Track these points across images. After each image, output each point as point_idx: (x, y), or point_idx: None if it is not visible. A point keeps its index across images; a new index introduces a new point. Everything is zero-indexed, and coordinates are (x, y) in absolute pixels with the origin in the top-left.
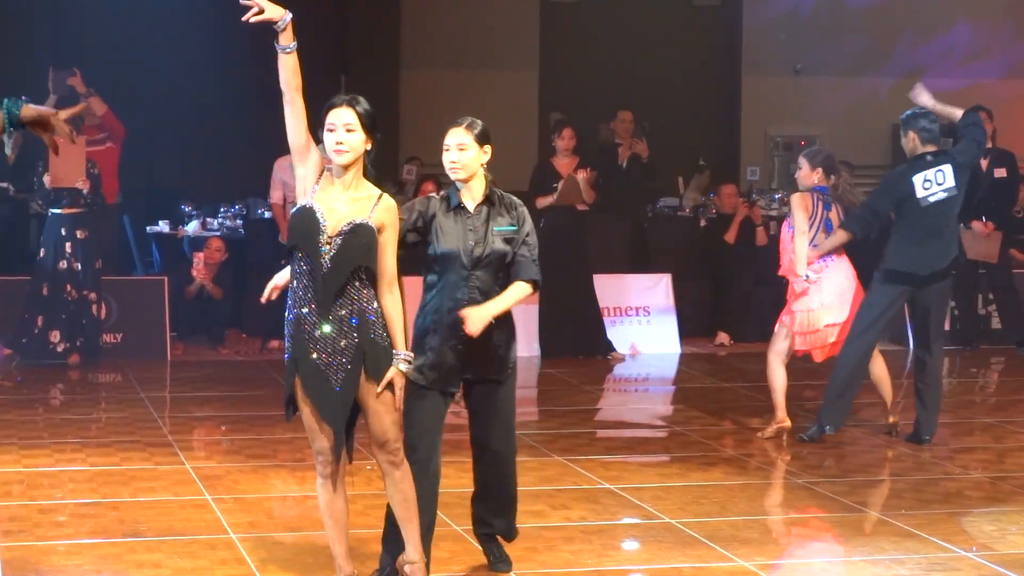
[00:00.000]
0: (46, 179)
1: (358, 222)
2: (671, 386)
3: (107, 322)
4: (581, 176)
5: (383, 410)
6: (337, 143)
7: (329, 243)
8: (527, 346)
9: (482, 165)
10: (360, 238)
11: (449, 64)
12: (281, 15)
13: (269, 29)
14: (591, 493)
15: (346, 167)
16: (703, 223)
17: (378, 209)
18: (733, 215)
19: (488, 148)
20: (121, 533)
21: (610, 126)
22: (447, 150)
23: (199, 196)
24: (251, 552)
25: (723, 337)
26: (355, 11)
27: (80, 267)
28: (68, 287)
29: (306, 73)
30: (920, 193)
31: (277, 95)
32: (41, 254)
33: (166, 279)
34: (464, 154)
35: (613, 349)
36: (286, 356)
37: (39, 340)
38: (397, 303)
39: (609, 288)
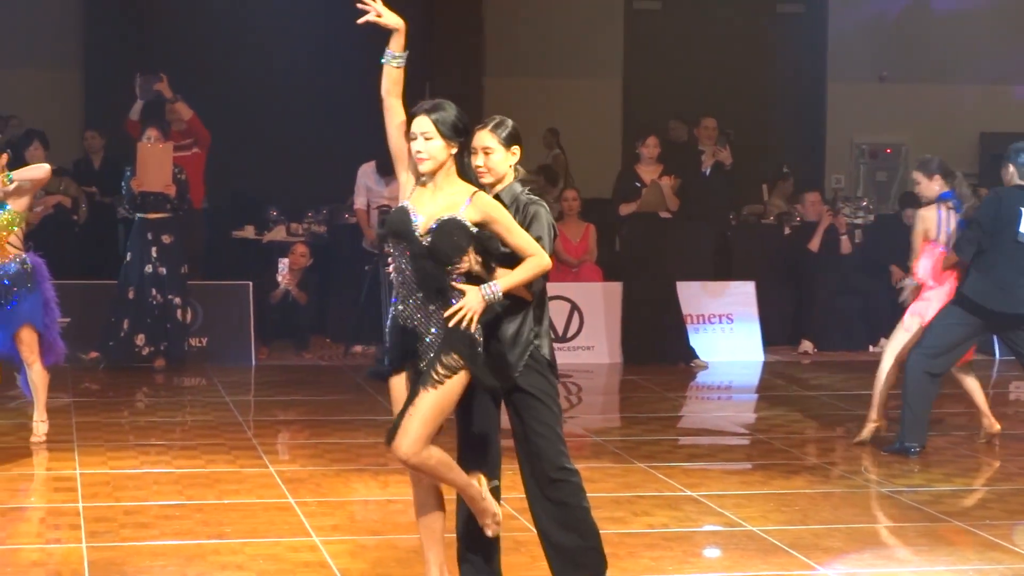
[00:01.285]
0: (133, 184)
1: (446, 217)
2: (754, 394)
3: (192, 326)
4: (665, 183)
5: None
6: (416, 152)
7: (422, 239)
8: (610, 352)
9: (511, 167)
10: (448, 234)
11: (532, 72)
12: (397, 23)
13: (353, 38)
14: (673, 500)
15: (431, 173)
16: (787, 231)
17: (470, 207)
18: (817, 223)
19: (517, 149)
20: (205, 535)
21: (693, 132)
22: (474, 154)
23: (284, 201)
24: (334, 555)
25: (807, 345)
26: (439, 20)
27: (165, 272)
28: (154, 291)
29: None
30: (1022, 228)
31: (362, 102)
32: (127, 258)
33: (251, 284)
34: (490, 158)
35: (696, 356)
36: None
37: (125, 344)
38: (529, 264)
39: (692, 295)
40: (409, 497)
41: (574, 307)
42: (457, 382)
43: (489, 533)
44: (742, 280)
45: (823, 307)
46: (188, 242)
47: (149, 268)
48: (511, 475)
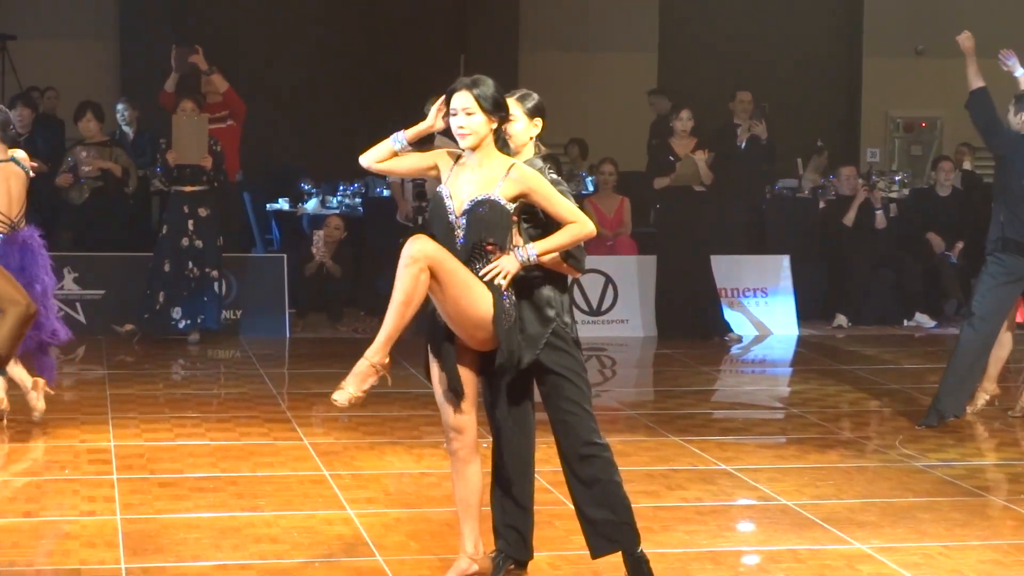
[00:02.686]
0: (169, 156)
1: (480, 198)
2: (788, 368)
3: (227, 299)
4: (699, 156)
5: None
6: (459, 127)
7: (458, 223)
8: (644, 326)
9: (531, 139)
10: (483, 213)
11: (568, 46)
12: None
13: (390, 10)
14: (707, 474)
15: (473, 148)
16: (822, 205)
17: (507, 181)
18: (852, 197)
19: (539, 121)
20: (239, 507)
21: (728, 107)
22: None
23: (319, 174)
24: (368, 528)
25: (841, 319)
26: None
27: (202, 244)
28: (190, 264)
29: (426, 54)
30: None
31: (396, 74)
32: (164, 231)
33: (286, 257)
34: (511, 125)
35: (730, 330)
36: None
37: (161, 316)
38: (569, 229)
39: (726, 269)
40: (443, 470)
41: (608, 280)
42: (482, 289)
43: None
44: (777, 254)
45: (857, 281)
46: (223, 215)
47: (185, 241)
48: (545, 448)
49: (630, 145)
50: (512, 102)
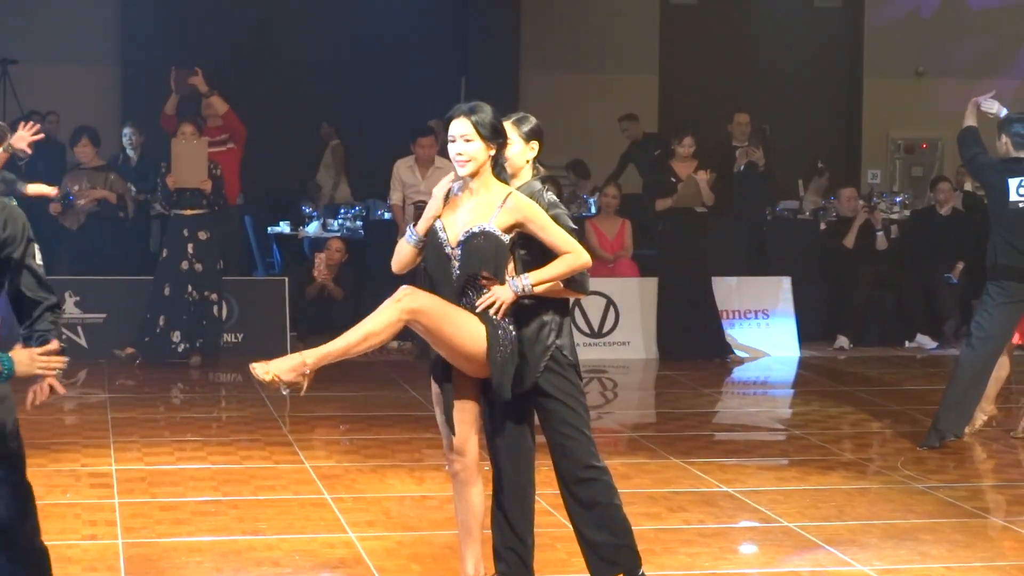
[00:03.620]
0: (169, 180)
1: (475, 230)
2: (790, 389)
3: (228, 322)
4: (701, 177)
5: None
6: (457, 155)
7: (453, 254)
8: (645, 348)
9: (528, 162)
10: (478, 245)
11: (569, 67)
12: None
13: (390, 34)
14: (709, 496)
15: (471, 175)
16: (823, 226)
17: (504, 210)
18: (853, 219)
19: (536, 144)
20: (241, 531)
21: (727, 128)
22: None
23: (320, 197)
24: (369, 552)
25: (842, 340)
26: (476, 14)
27: (201, 268)
28: (190, 288)
29: (428, 76)
30: (1013, 197)
31: (398, 96)
32: (163, 255)
33: (287, 279)
34: (509, 149)
35: (731, 351)
36: None
37: (161, 340)
38: (564, 260)
39: (727, 290)
40: (445, 493)
41: (610, 302)
42: (475, 326)
43: None
44: (778, 275)
45: (859, 302)
46: (223, 238)
47: (185, 265)
48: (545, 471)
49: (631, 167)
50: (508, 125)
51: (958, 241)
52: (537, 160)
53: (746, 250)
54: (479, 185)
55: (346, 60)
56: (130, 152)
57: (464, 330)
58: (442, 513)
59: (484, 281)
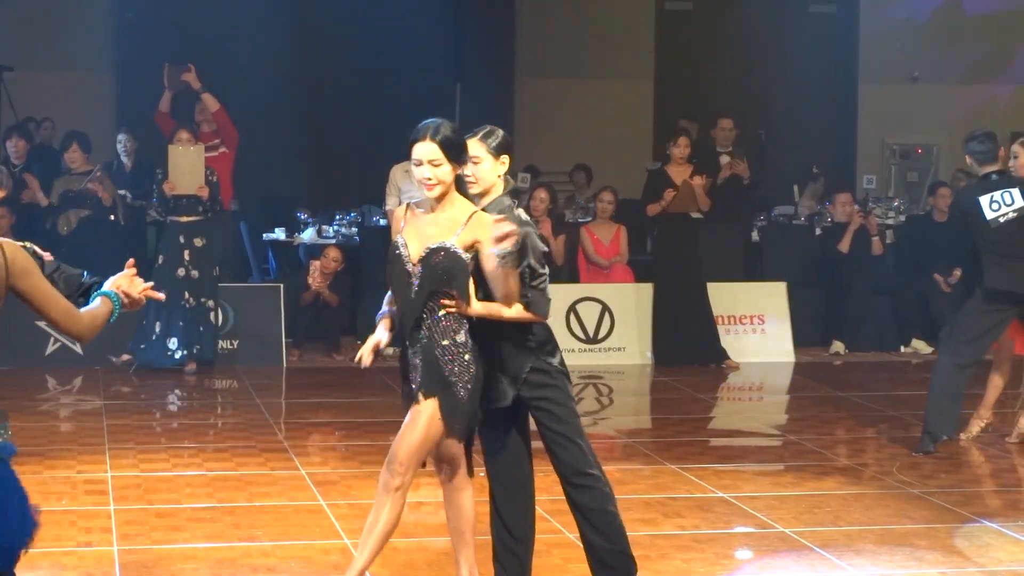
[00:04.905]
0: (165, 187)
1: (434, 246)
2: (785, 395)
3: (223, 329)
4: (696, 182)
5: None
6: (426, 179)
7: (414, 271)
8: (641, 354)
9: (499, 176)
10: (438, 262)
11: (564, 73)
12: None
13: (385, 38)
14: (704, 502)
15: (438, 199)
16: (818, 231)
17: (467, 228)
18: (848, 224)
19: (506, 158)
20: (236, 538)
21: (711, 134)
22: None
23: (315, 204)
24: None
25: (838, 346)
26: (471, 20)
27: (198, 274)
28: (186, 294)
29: (423, 83)
30: (989, 215)
31: (393, 103)
32: (159, 261)
33: (282, 286)
34: (479, 167)
35: (727, 357)
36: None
37: (156, 346)
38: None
39: (723, 296)
40: (440, 499)
41: (605, 308)
42: (433, 427)
43: None
44: (773, 281)
45: (854, 308)
46: (219, 245)
47: (181, 271)
48: (543, 476)
49: (626, 172)
50: (475, 142)
51: (955, 247)
52: (508, 173)
53: (742, 256)
54: (445, 203)
55: (341, 68)
56: (124, 159)
57: (431, 434)
58: (437, 519)
59: (445, 300)
